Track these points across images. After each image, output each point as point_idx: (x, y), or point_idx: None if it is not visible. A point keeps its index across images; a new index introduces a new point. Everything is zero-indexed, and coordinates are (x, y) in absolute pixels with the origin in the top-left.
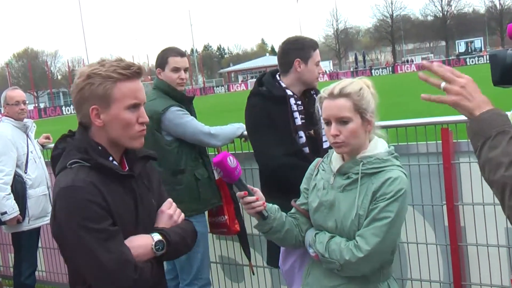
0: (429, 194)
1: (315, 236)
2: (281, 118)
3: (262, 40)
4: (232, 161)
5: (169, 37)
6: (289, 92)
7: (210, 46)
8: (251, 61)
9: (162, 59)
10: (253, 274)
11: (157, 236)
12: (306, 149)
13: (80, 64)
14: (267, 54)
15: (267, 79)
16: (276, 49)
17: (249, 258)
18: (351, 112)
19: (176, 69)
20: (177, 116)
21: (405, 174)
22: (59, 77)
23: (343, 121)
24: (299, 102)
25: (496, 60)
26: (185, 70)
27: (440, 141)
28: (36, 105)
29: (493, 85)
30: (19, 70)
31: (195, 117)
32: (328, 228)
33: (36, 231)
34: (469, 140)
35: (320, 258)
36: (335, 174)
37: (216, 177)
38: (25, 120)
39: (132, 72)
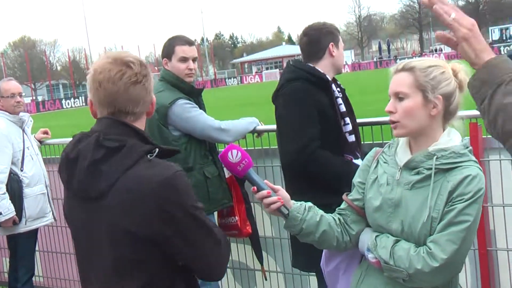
0: None
1: (375, 239)
2: (328, 105)
3: (278, 28)
4: (234, 156)
5: (177, 25)
6: (329, 78)
7: (222, 35)
8: (266, 51)
9: (169, 48)
10: (266, 279)
11: None
12: (353, 137)
13: (81, 54)
14: (284, 43)
15: (302, 64)
16: (294, 38)
17: (261, 262)
18: (410, 88)
19: (184, 59)
20: (185, 109)
21: (481, 171)
22: (59, 68)
23: (399, 97)
24: (338, 89)
25: None
26: (194, 60)
27: (468, 137)
28: (34, 98)
29: None
30: (15, 60)
31: (204, 110)
32: (391, 231)
33: (34, 233)
34: (472, 93)
35: (382, 265)
36: (402, 169)
37: (226, 175)
38: (21, 114)
39: None
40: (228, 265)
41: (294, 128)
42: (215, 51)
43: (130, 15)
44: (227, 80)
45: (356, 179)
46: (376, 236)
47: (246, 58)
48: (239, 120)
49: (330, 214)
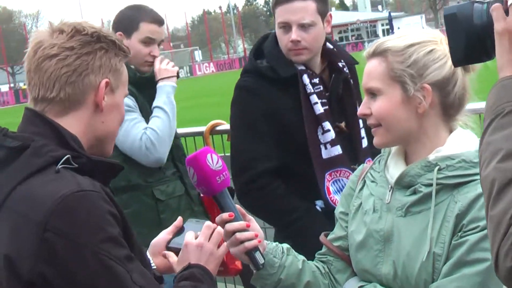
0: None
1: None
2: (291, 107)
3: None
4: (214, 162)
5: None
6: (300, 67)
7: (255, 0)
8: None
9: (131, 22)
10: None
11: None
12: (338, 149)
13: None
14: (333, 8)
15: (271, 46)
16: (347, 1)
17: None
18: (383, 80)
19: (148, 41)
20: None
21: None
22: None
23: (372, 94)
24: (317, 80)
25: (457, 22)
26: (159, 44)
27: None
28: (13, 85)
29: (453, 65)
30: None
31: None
32: (381, 276)
33: None
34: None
35: None
36: (394, 187)
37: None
38: None
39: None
40: None
41: (234, 144)
42: (245, 21)
43: None
44: None
45: (338, 209)
46: (360, 286)
47: None
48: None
49: (312, 261)
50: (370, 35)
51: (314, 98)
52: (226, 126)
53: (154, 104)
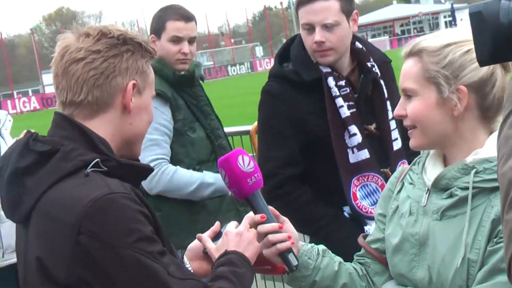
0: None
1: None
2: (315, 111)
3: None
4: (246, 163)
5: None
6: (325, 70)
7: None
8: (372, 13)
9: (159, 23)
10: None
11: None
12: (365, 153)
13: (133, 28)
14: (395, 1)
15: (297, 48)
16: None
17: None
18: (418, 81)
19: (176, 39)
20: None
21: None
22: None
23: (408, 95)
24: (343, 83)
25: (483, 21)
26: (191, 41)
27: None
28: None
29: (479, 64)
30: (51, 38)
31: (205, 105)
32: (416, 281)
33: (14, 267)
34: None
35: None
36: (431, 190)
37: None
38: None
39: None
40: None
41: (260, 149)
42: None
43: None
44: None
45: (377, 211)
46: None
47: None
48: (186, 174)
49: (349, 263)
50: (433, 28)
51: (339, 101)
52: None
53: (209, 176)
